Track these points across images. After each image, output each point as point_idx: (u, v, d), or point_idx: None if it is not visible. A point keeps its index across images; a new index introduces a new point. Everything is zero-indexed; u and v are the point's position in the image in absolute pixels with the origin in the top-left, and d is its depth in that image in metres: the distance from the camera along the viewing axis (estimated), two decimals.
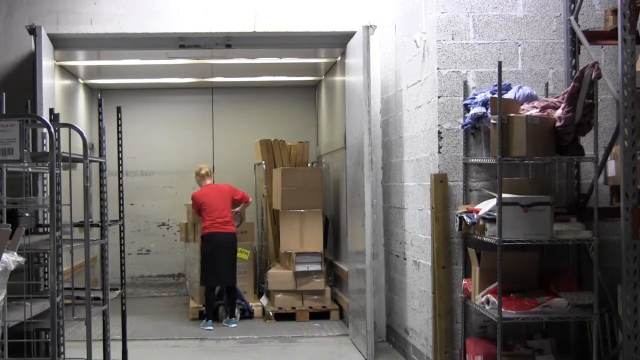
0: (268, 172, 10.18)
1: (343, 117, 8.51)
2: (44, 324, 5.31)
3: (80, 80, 10.73)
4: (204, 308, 9.06)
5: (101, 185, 6.06)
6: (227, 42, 7.95)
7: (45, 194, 6.65)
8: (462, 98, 5.95)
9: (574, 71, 5.76)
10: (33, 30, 7.33)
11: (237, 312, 8.93)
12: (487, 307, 5.32)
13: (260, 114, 11.77)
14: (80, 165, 5.47)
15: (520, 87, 5.72)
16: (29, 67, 7.45)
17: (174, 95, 11.87)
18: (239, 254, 9.20)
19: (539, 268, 5.69)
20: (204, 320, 8.77)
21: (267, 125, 11.40)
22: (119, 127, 6.48)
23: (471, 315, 5.89)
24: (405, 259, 7.08)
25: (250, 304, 9.30)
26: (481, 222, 5.38)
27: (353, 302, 7.87)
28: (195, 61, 9.57)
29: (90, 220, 5.37)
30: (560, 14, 5.98)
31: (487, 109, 5.57)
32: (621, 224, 4.83)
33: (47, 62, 7.45)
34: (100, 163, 6.03)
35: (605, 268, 5.66)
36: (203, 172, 9.23)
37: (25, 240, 4.90)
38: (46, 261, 6.64)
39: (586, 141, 5.56)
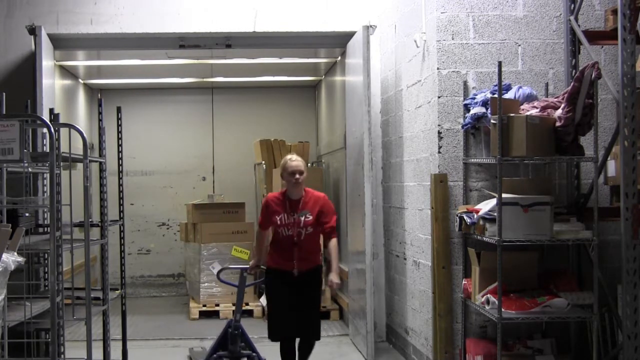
0: (268, 172, 10.17)
1: (343, 117, 8.51)
2: (44, 324, 5.31)
3: (80, 80, 10.72)
4: (204, 308, 8.99)
5: (101, 185, 6.06)
6: (227, 42, 7.95)
7: (45, 194, 6.64)
8: (462, 98, 5.95)
9: (574, 71, 5.76)
10: (33, 30, 7.33)
11: None
12: (487, 307, 5.32)
13: (260, 114, 11.75)
14: (80, 165, 5.48)
15: (520, 87, 5.72)
16: (29, 67, 7.45)
17: (174, 95, 11.86)
18: (239, 254, 9.16)
19: (539, 268, 5.69)
20: None
21: (267, 125, 11.39)
22: (119, 127, 6.49)
23: (471, 315, 5.89)
24: (405, 259, 7.08)
25: (250, 303, 9.26)
26: (481, 222, 5.37)
27: (353, 302, 7.87)
28: (195, 61, 9.56)
29: (90, 220, 5.38)
30: (560, 14, 5.97)
31: (487, 109, 5.57)
32: (621, 224, 4.82)
33: (47, 62, 7.45)
34: (100, 163, 6.03)
35: (605, 268, 5.67)
36: None
37: (25, 240, 4.90)
38: (46, 261, 6.64)
39: (586, 141, 5.55)
